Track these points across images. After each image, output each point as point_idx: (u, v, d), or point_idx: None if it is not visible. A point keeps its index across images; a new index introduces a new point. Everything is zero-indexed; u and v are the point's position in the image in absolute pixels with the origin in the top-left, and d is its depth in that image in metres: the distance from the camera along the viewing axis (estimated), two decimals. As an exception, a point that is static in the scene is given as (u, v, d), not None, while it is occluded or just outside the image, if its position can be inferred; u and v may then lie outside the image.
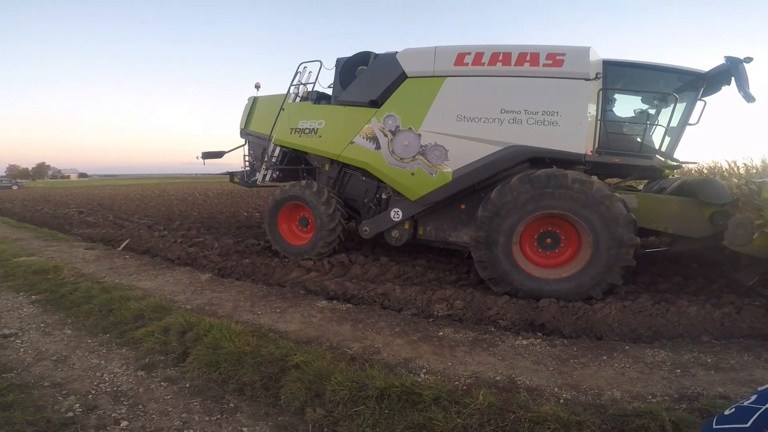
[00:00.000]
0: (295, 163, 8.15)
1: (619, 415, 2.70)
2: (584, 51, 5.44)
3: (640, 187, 7.74)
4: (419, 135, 6.20)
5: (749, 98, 5.16)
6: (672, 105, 5.62)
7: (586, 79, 5.40)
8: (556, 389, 3.18)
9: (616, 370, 3.51)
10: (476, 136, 5.85)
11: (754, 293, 5.12)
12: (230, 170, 9.83)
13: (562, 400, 2.99)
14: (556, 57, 5.49)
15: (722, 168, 11.77)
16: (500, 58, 5.75)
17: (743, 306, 4.69)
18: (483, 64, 5.84)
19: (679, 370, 3.48)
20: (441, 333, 4.31)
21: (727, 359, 3.68)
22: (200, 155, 9.74)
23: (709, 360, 3.67)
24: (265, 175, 8.18)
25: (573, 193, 5.13)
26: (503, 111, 5.70)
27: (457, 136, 5.96)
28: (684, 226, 5.57)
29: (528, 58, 5.61)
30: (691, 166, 9.28)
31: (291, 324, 4.55)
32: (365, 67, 7.05)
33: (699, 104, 5.80)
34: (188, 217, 13.94)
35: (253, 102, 8.87)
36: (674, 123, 5.77)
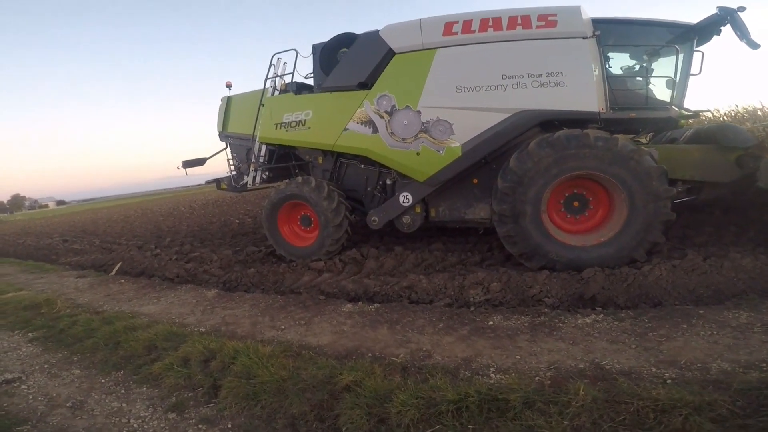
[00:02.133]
0: (285, 160, 7.63)
1: (748, 390, 2.36)
2: (575, 10, 5.25)
3: (643, 140, 7.52)
4: (419, 112, 5.80)
5: (754, 45, 5.08)
6: (673, 57, 5.50)
7: (584, 38, 5.19)
8: (653, 369, 2.81)
9: (705, 338, 3.15)
10: (481, 105, 5.50)
11: None
12: (209, 178, 9.25)
13: (669, 381, 2.62)
14: (548, 18, 5.27)
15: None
16: (490, 23, 5.46)
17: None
18: (473, 31, 5.52)
19: (774, 332, 3.13)
20: (491, 322, 3.90)
21: (817, 314, 3.34)
22: (181, 165, 9.14)
23: (799, 317, 3.32)
24: (254, 177, 7.64)
25: (598, 151, 4.86)
26: (504, 77, 5.40)
27: (460, 108, 5.60)
28: (710, 172, 5.41)
29: (519, 21, 5.36)
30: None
31: (322, 336, 4.09)
32: (347, 50, 6.58)
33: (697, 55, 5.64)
34: (178, 232, 13.35)
35: (228, 102, 8.30)
36: (678, 74, 5.61)
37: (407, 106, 5.86)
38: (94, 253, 11.16)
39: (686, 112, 5.88)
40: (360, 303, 5.00)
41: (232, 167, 8.44)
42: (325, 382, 2.99)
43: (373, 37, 6.13)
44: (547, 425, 2.26)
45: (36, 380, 3.96)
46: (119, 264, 8.99)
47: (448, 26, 5.60)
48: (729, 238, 5.39)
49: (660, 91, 5.70)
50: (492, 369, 3.07)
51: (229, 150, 8.55)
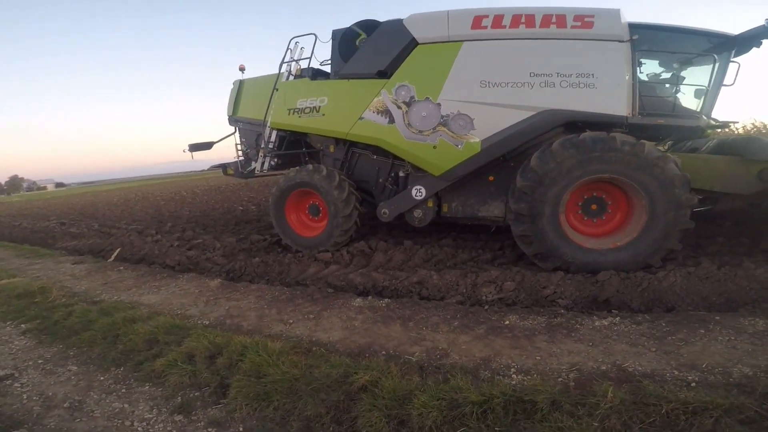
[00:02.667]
0: (296, 147, 7.50)
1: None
2: (615, 13, 5.16)
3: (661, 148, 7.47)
4: (438, 104, 5.68)
5: None
6: (706, 66, 5.41)
7: (620, 41, 5.11)
8: (676, 372, 2.77)
9: (724, 344, 3.10)
10: (505, 102, 5.40)
11: None
12: (213, 163, 9.11)
13: (693, 384, 2.59)
14: (584, 19, 5.18)
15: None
16: (523, 20, 5.36)
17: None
18: (504, 26, 5.42)
19: (793, 340, 3.08)
20: (507, 322, 3.81)
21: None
22: (187, 148, 8.99)
23: (814, 327, 3.28)
24: (263, 163, 7.50)
25: (623, 155, 4.79)
26: (533, 74, 5.30)
27: (483, 103, 5.49)
28: (731, 184, 5.39)
29: (554, 20, 5.26)
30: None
31: (332, 332, 3.97)
32: (366, 37, 6.46)
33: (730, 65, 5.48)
34: (180, 218, 13.19)
35: (240, 86, 8.17)
36: (711, 84, 5.50)
37: (427, 98, 5.74)
38: (92, 237, 10.96)
39: (714, 122, 5.84)
40: (370, 297, 4.88)
41: (240, 153, 8.32)
42: (340, 381, 2.88)
43: (397, 25, 6.01)
44: (578, 427, 2.20)
45: (30, 377, 3.74)
46: (118, 250, 8.83)
47: (477, 20, 5.50)
48: (742, 248, 5.37)
49: (688, 99, 5.62)
50: (513, 369, 2.99)
51: (237, 135, 8.43)
